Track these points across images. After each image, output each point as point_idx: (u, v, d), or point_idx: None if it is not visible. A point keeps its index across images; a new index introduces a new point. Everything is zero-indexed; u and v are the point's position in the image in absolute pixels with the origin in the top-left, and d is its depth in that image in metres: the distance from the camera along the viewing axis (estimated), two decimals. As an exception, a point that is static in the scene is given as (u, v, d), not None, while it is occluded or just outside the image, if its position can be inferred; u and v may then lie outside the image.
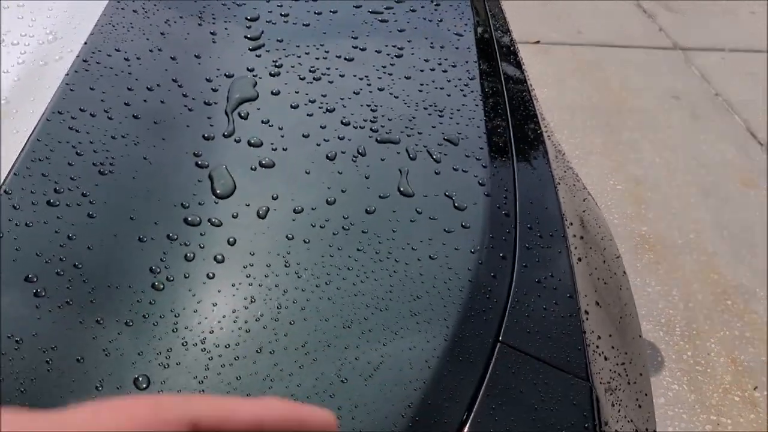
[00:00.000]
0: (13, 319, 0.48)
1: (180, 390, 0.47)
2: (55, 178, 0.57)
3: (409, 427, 0.47)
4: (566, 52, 3.02)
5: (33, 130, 0.61)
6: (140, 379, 0.47)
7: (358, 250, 0.57)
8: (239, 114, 0.70)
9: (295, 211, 0.60)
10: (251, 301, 0.52)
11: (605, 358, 0.61)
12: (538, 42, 3.07)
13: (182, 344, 0.49)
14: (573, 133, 2.48)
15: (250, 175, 0.63)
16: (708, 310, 1.79)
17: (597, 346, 0.59)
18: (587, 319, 0.60)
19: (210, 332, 0.50)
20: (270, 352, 0.49)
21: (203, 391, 0.47)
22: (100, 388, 0.46)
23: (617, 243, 1.83)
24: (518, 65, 0.90)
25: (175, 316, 0.50)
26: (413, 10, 0.91)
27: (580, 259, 0.65)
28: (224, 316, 0.51)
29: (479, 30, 0.90)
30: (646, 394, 0.69)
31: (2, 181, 0.56)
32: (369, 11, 0.89)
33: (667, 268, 1.92)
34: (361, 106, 0.73)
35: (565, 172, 0.80)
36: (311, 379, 0.48)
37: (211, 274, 0.54)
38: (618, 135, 2.49)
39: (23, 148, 0.59)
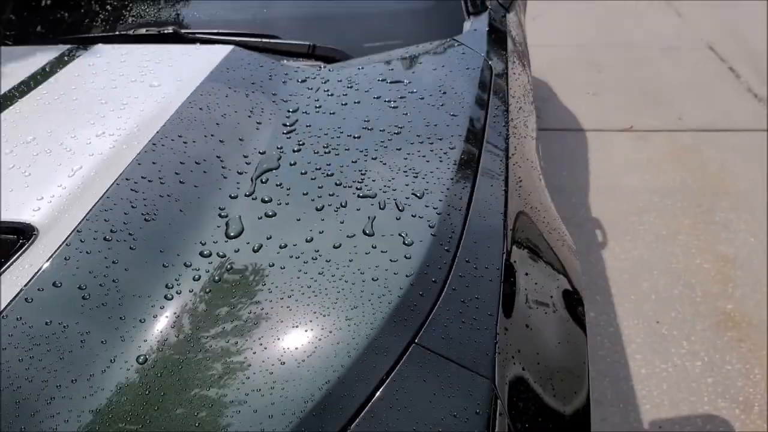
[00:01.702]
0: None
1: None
2: (119, 219, 0.81)
3: (315, 404, 0.61)
4: (664, 138, 3.05)
5: (105, 192, 0.85)
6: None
7: (319, 274, 0.75)
8: (261, 180, 0.92)
9: (280, 247, 0.79)
10: (234, 298, 0.71)
11: (523, 368, 0.72)
12: (631, 128, 3.13)
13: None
14: (661, 214, 2.48)
15: (255, 222, 0.84)
16: (794, 391, 1.71)
17: (513, 356, 0.71)
18: (506, 333, 0.72)
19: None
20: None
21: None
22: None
23: (698, 320, 1.83)
24: (503, 139, 1.05)
25: (177, 314, 0.70)
26: (422, 98, 1.10)
27: (513, 290, 0.78)
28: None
29: (471, 113, 1.06)
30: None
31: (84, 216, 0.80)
32: (384, 100, 1.09)
33: (750, 347, 1.86)
34: (355, 171, 0.91)
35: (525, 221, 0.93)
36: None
37: (207, 289, 0.73)
38: (710, 215, 2.46)
39: (97, 202, 0.83)
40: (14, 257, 0.76)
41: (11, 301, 0.70)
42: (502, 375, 0.68)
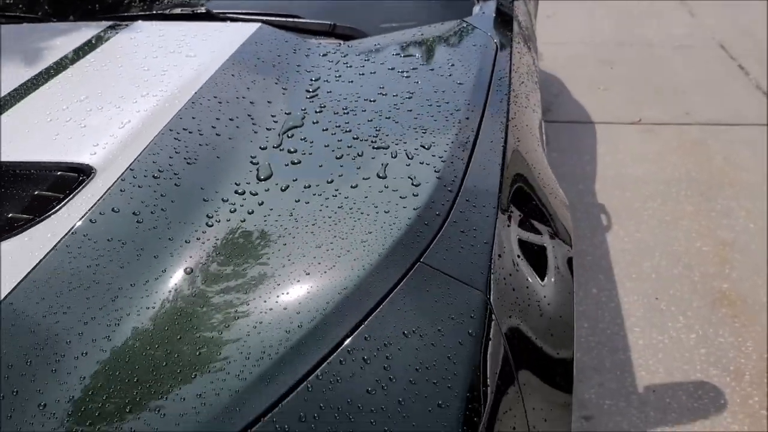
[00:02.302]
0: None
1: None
2: (165, 162, 0.93)
3: (335, 305, 0.73)
4: (672, 131, 3.13)
5: (152, 140, 0.97)
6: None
7: (339, 207, 0.86)
8: (287, 135, 1.03)
9: (304, 187, 0.91)
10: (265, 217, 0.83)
11: (513, 289, 0.83)
12: (639, 121, 3.22)
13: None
14: (665, 201, 2.57)
15: (282, 168, 0.95)
16: (783, 362, 1.80)
17: (504, 279, 0.82)
18: (500, 259, 0.83)
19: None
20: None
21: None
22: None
23: (695, 298, 1.93)
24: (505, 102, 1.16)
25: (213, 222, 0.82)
26: (431, 69, 1.21)
27: (507, 227, 0.89)
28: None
29: (476, 81, 1.17)
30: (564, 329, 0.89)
31: (135, 159, 0.92)
32: (398, 71, 1.21)
33: (744, 322, 1.95)
34: (370, 128, 1.03)
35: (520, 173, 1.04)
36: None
37: (242, 219, 0.85)
38: (712, 203, 2.55)
39: (145, 147, 0.95)
40: (77, 190, 0.88)
41: (78, 220, 0.83)
42: (495, 291, 0.79)
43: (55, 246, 0.79)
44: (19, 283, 0.75)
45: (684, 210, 2.52)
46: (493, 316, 0.77)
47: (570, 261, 0.99)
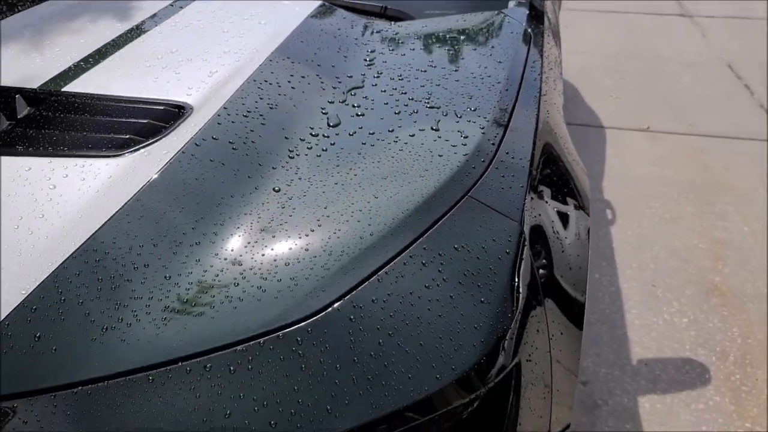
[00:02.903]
0: None
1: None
2: (252, 104, 1.10)
3: (396, 225, 0.90)
4: (677, 140, 3.31)
5: (239, 87, 1.14)
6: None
7: (400, 150, 1.03)
8: (351, 93, 1.20)
9: (369, 133, 1.07)
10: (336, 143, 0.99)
11: (541, 225, 1.00)
12: (647, 128, 3.39)
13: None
14: (667, 202, 2.75)
15: (349, 118, 1.12)
16: (765, 347, 1.96)
17: (535, 216, 0.99)
18: (531, 200, 1.00)
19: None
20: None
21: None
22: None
23: (689, 287, 2.09)
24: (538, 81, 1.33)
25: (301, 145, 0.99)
26: (475, 49, 1.38)
27: (537, 177, 1.06)
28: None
29: (513, 61, 1.35)
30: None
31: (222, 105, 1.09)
32: (445, 48, 1.38)
33: (732, 311, 2.12)
34: (423, 92, 1.20)
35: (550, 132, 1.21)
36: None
37: (318, 155, 1.02)
38: (711, 206, 2.72)
39: (234, 93, 1.12)
40: (181, 120, 1.05)
41: (184, 145, 0.99)
42: (528, 222, 0.96)
43: (170, 160, 0.96)
44: (142, 187, 0.92)
45: (684, 210, 2.69)
46: (525, 242, 0.94)
47: (586, 207, 1.16)
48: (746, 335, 2.02)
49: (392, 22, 1.55)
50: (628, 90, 3.93)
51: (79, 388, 0.72)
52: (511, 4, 1.71)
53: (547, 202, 1.06)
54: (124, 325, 0.77)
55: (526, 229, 0.96)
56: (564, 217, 1.11)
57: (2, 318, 0.76)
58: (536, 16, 1.67)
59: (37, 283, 0.79)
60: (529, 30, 1.53)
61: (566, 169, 1.21)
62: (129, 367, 0.74)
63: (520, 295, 0.89)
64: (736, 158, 3.13)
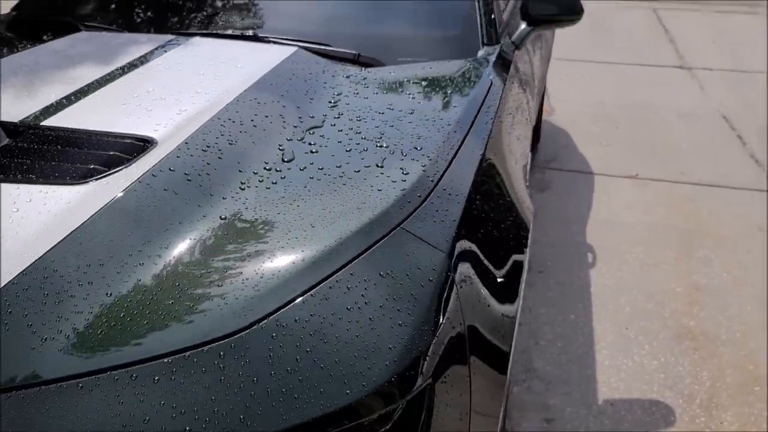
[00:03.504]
0: None
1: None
2: (212, 140, 1.18)
3: (331, 247, 0.97)
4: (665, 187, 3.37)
5: (203, 124, 1.23)
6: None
7: (343, 185, 1.11)
8: (309, 132, 1.29)
9: (318, 169, 1.15)
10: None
11: (471, 258, 1.06)
12: (636, 176, 3.45)
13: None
14: (649, 247, 2.79)
15: (303, 155, 1.20)
16: (734, 391, 1.98)
17: (464, 249, 1.05)
18: (463, 232, 1.07)
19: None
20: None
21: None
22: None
23: (663, 331, 2.11)
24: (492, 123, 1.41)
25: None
26: (435, 93, 1.47)
27: (474, 213, 1.13)
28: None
29: (468, 106, 1.43)
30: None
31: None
32: (406, 93, 1.47)
33: (703, 356, 2.14)
34: (377, 132, 1.28)
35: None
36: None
37: (267, 187, 1.10)
38: (693, 252, 2.76)
39: (197, 129, 1.21)
40: (143, 153, 1.14)
41: (142, 175, 1.08)
42: (456, 254, 1.03)
43: (126, 188, 1.05)
44: (97, 212, 1.00)
45: (666, 255, 2.74)
46: (451, 272, 1.01)
47: (524, 244, 1.23)
48: (716, 379, 2.04)
49: (362, 68, 1.65)
50: (620, 139, 4.01)
51: (13, 392, 0.79)
52: (480, 52, 1.80)
53: (480, 236, 1.13)
54: (63, 337, 0.84)
55: (453, 261, 1.02)
56: (498, 250, 1.17)
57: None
58: (503, 65, 1.76)
59: (-12, 295, 0.87)
60: (491, 77, 1.62)
61: (508, 207, 1.28)
62: (61, 375, 0.80)
63: (439, 320, 0.95)
64: (721, 206, 3.18)
